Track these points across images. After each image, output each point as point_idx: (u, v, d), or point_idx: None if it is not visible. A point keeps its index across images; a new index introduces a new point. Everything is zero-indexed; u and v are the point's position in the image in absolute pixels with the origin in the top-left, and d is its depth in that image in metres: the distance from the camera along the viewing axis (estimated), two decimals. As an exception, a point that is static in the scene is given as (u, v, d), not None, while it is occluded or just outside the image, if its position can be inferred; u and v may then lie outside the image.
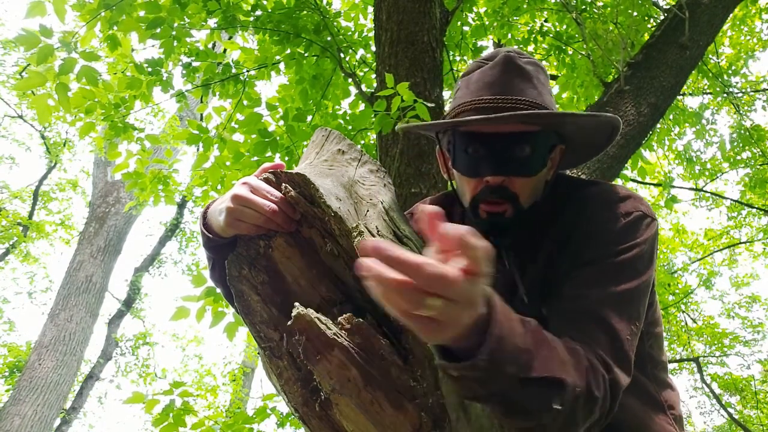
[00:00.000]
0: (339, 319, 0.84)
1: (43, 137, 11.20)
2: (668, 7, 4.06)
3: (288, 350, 0.93)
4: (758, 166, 6.35)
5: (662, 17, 3.88)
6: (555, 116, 1.00)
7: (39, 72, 2.81)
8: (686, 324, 9.33)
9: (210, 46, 4.41)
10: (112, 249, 9.05)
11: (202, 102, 4.06)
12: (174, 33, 3.35)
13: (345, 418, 0.86)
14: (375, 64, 3.23)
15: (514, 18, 4.78)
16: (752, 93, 6.60)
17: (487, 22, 4.75)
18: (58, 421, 8.79)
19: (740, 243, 9.34)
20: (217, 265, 1.03)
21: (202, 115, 6.21)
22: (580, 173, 2.97)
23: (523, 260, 1.07)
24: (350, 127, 3.11)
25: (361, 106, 3.78)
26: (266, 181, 0.97)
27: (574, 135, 1.08)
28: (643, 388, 1.07)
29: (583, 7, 4.34)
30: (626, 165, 3.82)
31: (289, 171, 0.96)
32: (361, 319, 0.84)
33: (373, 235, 0.91)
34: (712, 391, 9.16)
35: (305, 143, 3.19)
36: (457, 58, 4.73)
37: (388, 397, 0.85)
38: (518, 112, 0.96)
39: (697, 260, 9.78)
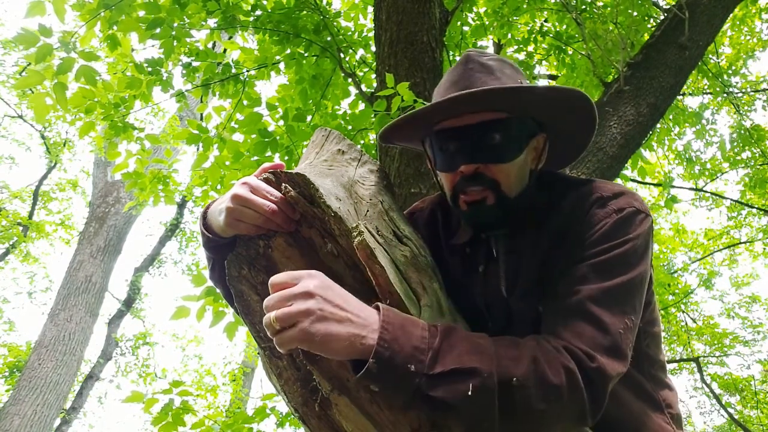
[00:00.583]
0: (339, 319, 0.84)
1: (43, 137, 11.20)
2: (668, 7, 4.05)
3: (288, 350, 0.93)
4: (758, 166, 6.34)
5: (662, 17, 3.87)
6: (503, 90, 0.99)
7: (38, 71, 2.81)
8: (686, 324, 9.33)
9: (210, 46, 4.41)
10: (112, 249, 9.05)
11: (202, 102, 4.06)
12: (174, 33, 3.35)
13: (344, 418, 0.86)
14: (375, 64, 3.23)
15: (514, 18, 4.77)
16: (752, 93, 6.60)
17: (487, 22, 4.75)
18: (58, 421, 8.79)
19: (740, 243, 9.33)
20: (216, 265, 1.03)
21: (201, 114, 6.21)
22: (580, 173, 2.97)
23: (519, 257, 1.07)
24: (350, 127, 3.11)
25: (361, 106, 3.78)
26: (266, 181, 0.97)
27: (553, 120, 1.08)
28: (640, 386, 1.07)
29: (583, 7, 4.34)
30: (626, 165, 3.81)
31: (289, 171, 0.96)
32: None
33: (373, 236, 0.91)
34: (712, 391, 9.16)
35: (305, 143, 3.19)
36: (457, 58, 4.73)
37: (386, 398, 0.85)
38: (465, 91, 0.97)
39: (697, 260, 9.78)
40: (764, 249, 9.33)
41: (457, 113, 1.02)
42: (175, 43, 3.42)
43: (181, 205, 11.04)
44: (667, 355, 9.39)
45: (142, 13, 3.24)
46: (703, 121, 6.11)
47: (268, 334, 0.78)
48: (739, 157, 6.49)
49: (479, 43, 4.77)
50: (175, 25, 3.33)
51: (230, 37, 4.75)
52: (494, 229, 1.09)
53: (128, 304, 10.85)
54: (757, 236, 8.89)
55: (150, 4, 3.15)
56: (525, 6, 4.64)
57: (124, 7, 3.14)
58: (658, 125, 5.05)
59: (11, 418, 7.20)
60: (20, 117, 10.85)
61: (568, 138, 1.14)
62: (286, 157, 3.17)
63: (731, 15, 4.97)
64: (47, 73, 2.85)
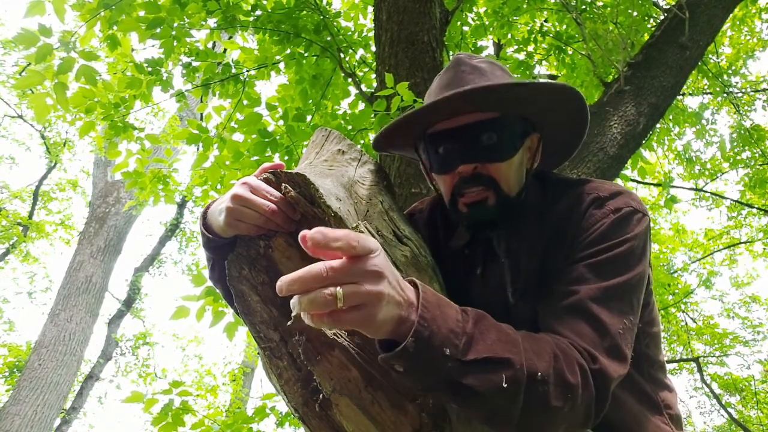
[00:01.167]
0: (339, 319, 0.84)
1: (43, 137, 11.19)
2: (668, 7, 4.05)
3: (288, 351, 0.93)
4: (758, 166, 6.34)
5: (662, 17, 3.87)
6: (495, 88, 0.99)
7: (38, 71, 2.81)
8: (686, 324, 9.33)
9: (210, 46, 4.41)
10: (112, 249, 9.05)
11: (202, 102, 4.06)
12: (174, 33, 3.35)
13: (345, 418, 0.86)
14: (375, 64, 3.23)
15: (514, 18, 4.77)
16: (752, 93, 6.60)
17: (487, 22, 4.75)
18: (58, 421, 8.79)
19: (740, 243, 9.33)
20: (216, 265, 1.03)
21: (201, 114, 6.21)
22: (580, 173, 2.97)
23: (517, 257, 1.07)
24: (350, 127, 3.11)
25: (361, 106, 3.78)
26: (266, 181, 0.97)
27: (544, 118, 1.09)
28: (639, 387, 1.07)
29: (583, 7, 4.34)
30: (626, 165, 3.81)
31: (289, 171, 0.96)
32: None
33: (373, 235, 0.91)
34: (712, 391, 9.15)
35: (305, 143, 3.19)
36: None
37: (388, 398, 0.85)
38: (461, 89, 0.97)
39: (697, 260, 9.78)
40: (764, 249, 9.33)
41: (450, 115, 1.03)
42: (175, 43, 3.42)
43: (181, 205, 11.04)
44: (667, 355, 9.40)
45: (142, 13, 3.24)
46: (703, 121, 6.11)
47: (314, 306, 0.64)
48: (739, 157, 6.49)
49: (479, 43, 4.77)
50: (175, 25, 3.33)
51: (230, 37, 4.75)
52: (494, 230, 1.09)
53: (128, 304, 10.85)
54: (757, 236, 8.89)
55: (150, 4, 3.15)
56: (525, 6, 4.63)
57: (124, 7, 3.13)
58: (658, 125, 5.05)
59: (11, 418, 7.19)
60: (20, 117, 10.85)
61: (561, 136, 1.15)
62: (286, 157, 3.17)
63: (731, 15, 4.97)
64: (47, 73, 2.85)
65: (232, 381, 12.60)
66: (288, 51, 3.70)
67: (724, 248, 9.59)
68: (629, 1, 4.01)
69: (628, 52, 3.66)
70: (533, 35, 4.97)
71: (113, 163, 9.04)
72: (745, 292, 11.07)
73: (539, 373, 0.79)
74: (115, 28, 3.21)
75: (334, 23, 3.90)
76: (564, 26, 4.79)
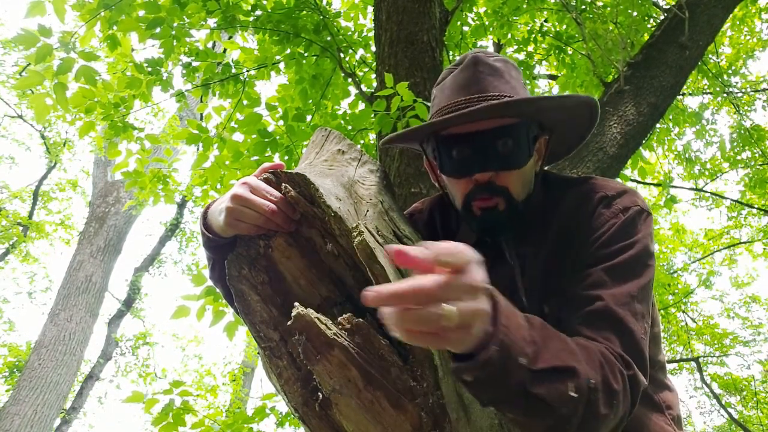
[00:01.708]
0: (339, 319, 0.84)
1: (43, 137, 11.20)
2: (668, 7, 4.05)
3: (288, 350, 0.93)
4: (758, 166, 6.34)
5: (662, 17, 3.87)
6: (530, 102, 0.99)
7: (37, 71, 2.81)
8: (686, 324, 9.33)
9: (210, 45, 4.41)
10: (112, 249, 9.05)
11: (202, 102, 4.06)
12: (174, 33, 3.35)
13: (345, 418, 0.86)
14: (375, 64, 3.23)
15: (514, 18, 4.78)
16: (752, 93, 6.60)
17: (486, 22, 4.75)
18: (58, 421, 8.79)
19: (740, 243, 9.33)
20: (216, 265, 1.03)
21: (201, 114, 6.21)
22: (580, 173, 2.97)
23: (523, 258, 1.07)
24: (350, 127, 3.11)
25: (361, 106, 3.78)
26: (266, 181, 0.97)
27: (555, 122, 1.09)
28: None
29: (583, 7, 4.34)
30: (626, 165, 3.81)
31: (289, 171, 0.96)
32: (361, 319, 0.84)
33: (373, 236, 0.91)
34: (712, 391, 9.16)
35: (305, 143, 3.19)
36: (457, 58, 4.73)
37: (388, 397, 0.85)
38: (492, 102, 0.97)
39: (697, 260, 9.78)
40: (764, 249, 9.33)
41: (473, 120, 1.01)
42: (175, 43, 3.42)
43: (181, 205, 11.04)
44: (667, 355, 9.39)
45: (142, 13, 3.24)
46: (703, 121, 6.11)
47: (422, 325, 0.59)
48: (739, 157, 6.49)
49: (479, 43, 4.78)
50: (175, 25, 3.33)
51: (230, 37, 4.75)
52: (503, 234, 1.08)
53: (128, 304, 10.85)
54: (757, 236, 8.89)
55: (150, 3, 3.15)
56: (525, 6, 4.64)
57: (124, 7, 3.13)
58: (658, 125, 5.05)
59: (11, 418, 7.20)
60: (20, 117, 10.85)
61: (565, 137, 1.14)
62: (286, 157, 3.17)
63: (731, 15, 4.97)
64: (47, 74, 2.85)
65: (232, 381, 12.60)
66: (288, 51, 3.70)
67: (724, 248, 9.59)
68: (629, 1, 4.01)
69: (628, 52, 3.66)
70: (533, 35, 4.97)
71: (113, 163, 9.04)
72: (745, 292, 11.08)
73: (592, 381, 0.77)
74: (115, 28, 3.21)
75: (334, 23, 3.90)
76: (564, 26, 4.79)
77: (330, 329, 0.82)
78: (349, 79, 3.75)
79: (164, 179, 3.98)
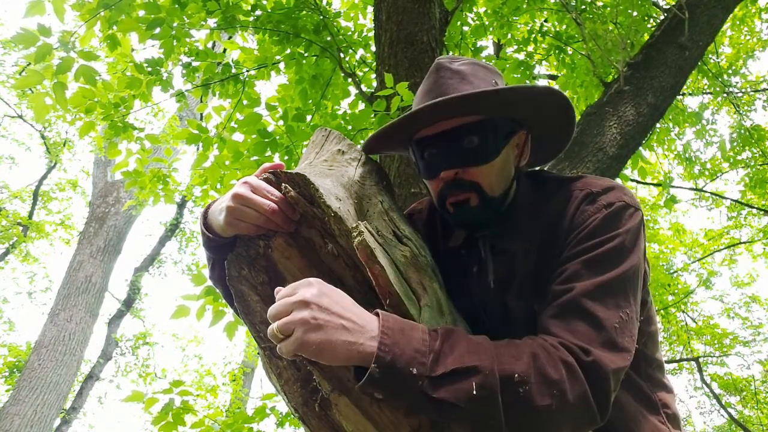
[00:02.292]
0: (338, 319, 0.84)
1: (43, 137, 11.20)
2: (668, 7, 4.05)
3: (287, 350, 0.93)
4: (758, 166, 6.34)
5: (662, 17, 3.87)
6: (464, 97, 0.99)
7: (37, 71, 2.81)
8: (686, 324, 9.32)
9: (210, 46, 4.40)
10: (112, 249, 9.05)
11: (201, 102, 4.06)
12: (174, 33, 3.35)
13: (344, 418, 0.86)
14: (375, 64, 3.23)
15: (514, 18, 4.77)
16: (752, 93, 6.60)
17: (486, 22, 4.74)
18: (58, 421, 8.79)
19: (740, 243, 9.33)
20: (216, 264, 1.03)
21: (201, 114, 6.21)
22: (579, 173, 2.97)
23: (511, 256, 1.07)
24: (350, 127, 3.11)
25: (361, 106, 3.77)
26: (266, 181, 0.97)
27: (528, 117, 1.09)
28: (636, 386, 1.07)
29: (583, 7, 4.34)
30: (626, 165, 3.81)
31: (289, 171, 0.96)
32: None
33: (373, 236, 0.91)
34: (712, 391, 9.16)
35: (305, 143, 3.19)
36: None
37: (387, 397, 0.85)
38: (436, 100, 0.99)
39: (697, 260, 9.78)
40: (764, 249, 9.33)
41: (430, 122, 1.04)
42: (175, 43, 3.42)
43: (181, 205, 11.04)
44: (667, 355, 9.40)
45: (141, 13, 3.24)
46: (703, 121, 6.11)
47: (274, 342, 0.80)
48: (739, 157, 6.49)
49: (479, 43, 4.77)
50: (175, 25, 3.33)
51: (230, 37, 4.74)
52: (483, 229, 1.10)
53: (128, 304, 10.85)
54: (757, 236, 8.88)
55: (150, 4, 3.15)
56: (525, 6, 4.63)
57: (123, 7, 3.13)
58: (658, 125, 5.05)
59: (11, 418, 7.19)
60: (20, 117, 10.85)
61: (551, 132, 1.14)
62: (286, 157, 3.17)
63: (731, 15, 4.98)
64: (47, 73, 2.85)
65: (232, 381, 12.59)
66: (288, 51, 3.70)
67: (724, 248, 9.59)
68: (629, 1, 4.01)
69: (628, 52, 3.66)
70: (533, 35, 4.97)
71: (113, 163, 9.04)
72: (745, 293, 11.07)
73: (516, 374, 0.80)
74: (114, 28, 3.21)
75: (334, 23, 3.90)
76: (564, 26, 4.78)
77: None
78: (349, 79, 3.75)
79: (164, 179, 3.98)
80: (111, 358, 10.82)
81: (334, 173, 1.04)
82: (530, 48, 5.02)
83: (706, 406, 12.47)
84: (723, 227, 9.28)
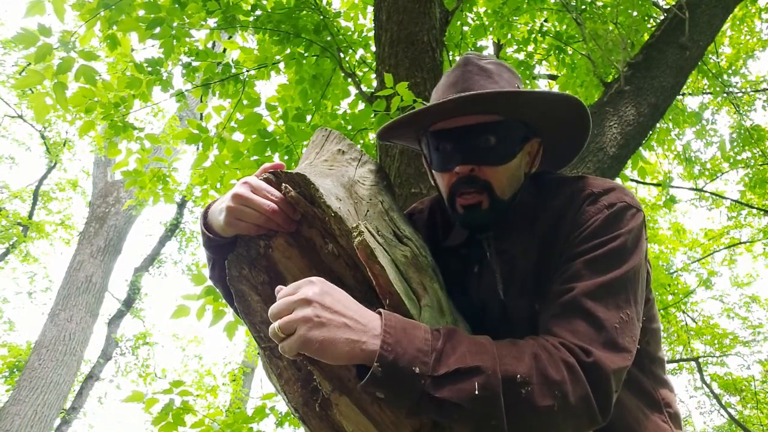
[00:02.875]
0: (339, 319, 0.84)
1: (43, 137, 11.19)
2: (668, 7, 4.05)
3: (288, 350, 0.93)
4: (758, 166, 6.34)
5: (662, 17, 3.87)
6: (496, 94, 1.00)
7: (37, 70, 2.81)
8: (686, 324, 9.32)
9: (210, 45, 4.40)
10: (112, 249, 9.05)
11: (201, 102, 4.06)
12: (174, 33, 3.35)
13: (345, 418, 0.86)
14: (375, 64, 3.23)
15: (514, 18, 4.77)
16: (752, 93, 6.60)
17: (487, 22, 4.74)
18: (58, 421, 8.79)
19: (740, 243, 9.32)
20: (217, 264, 1.03)
21: (201, 114, 6.20)
22: (579, 173, 2.97)
23: (512, 257, 1.07)
24: (350, 127, 3.11)
25: (361, 106, 3.77)
26: (266, 181, 0.97)
27: (544, 123, 1.09)
28: (639, 384, 1.07)
29: (583, 7, 4.33)
30: (626, 165, 3.81)
31: (289, 171, 0.96)
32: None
33: (373, 236, 0.91)
34: (712, 391, 9.16)
35: (305, 143, 3.18)
36: (457, 58, 4.72)
37: (388, 398, 0.85)
38: (459, 95, 0.99)
39: (697, 260, 9.78)
40: (764, 249, 9.33)
41: (452, 115, 1.04)
42: (175, 43, 3.41)
43: (181, 205, 11.04)
44: (667, 355, 9.39)
45: (141, 13, 3.24)
46: (703, 121, 6.11)
47: (276, 341, 0.80)
48: (739, 157, 6.49)
49: (479, 43, 4.77)
50: (175, 24, 3.33)
51: (230, 37, 4.74)
52: (487, 231, 1.10)
53: (128, 304, 10.85)
54: (757, 236, 8.88)
55: (150, 3, 3.15)
56: (525, 6, 4.63)
57: (123, 7, 3.13)
58: (658, 125, 5.05)
59: (11, 418, 7.19)
60: (20, 117, 10.85)
61: (563, 141, 1.15)
62: (286, 157, 3.17)
63: (731, 15, 4.97)
64: (47, 73, 2.85)
65: (232, 381, 12.59)
66: (288, 51, 3.70)
67: (724, 248, 9.59)
68: (629, 1, 4.01)
69: (628, 52, 3.66)
70: (533, 35, 4.97)
71: (113, 163, 9.04)
72: (745, 293, 11.07)
73: (518, 375, 0.80)
74: (114, 28, 3.21)
75: (334, 23, 3.90)
76: (564, 26, 4.78)
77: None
78: (349, 79, 3.74)
79: (164, 179, 3.98)
80: (111, 358, 10.82)
81: (334, 173, 1.04)
82: (530, 48, 5.02)
83: (706, 406, 12.47)
84: (723, 227, 9.28)
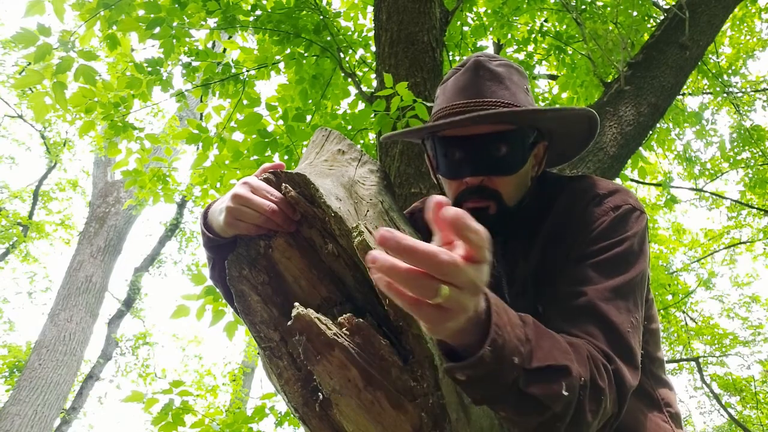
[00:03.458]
0: (339, 319, 0.84)
1: (43, 137, 11.20)
2: (668, 7, 4.05)
3: (288, 350, 0.93)
4: (758, 166, 6.34)
5: (662, 17, 3.87)
6: (522, 113, 1.00)
7: (37, 70, 2.81)
8: (686, 324, 9.33)
9: (210, 45, 4.40)
10: (112, 249, 9.05)
11: (201, 101, 4.06)
12: (174, 33, 3.35)
13: (345, 418, 0.86)
14: (375, 64, 3.23)
15: (514, 18, 4.78)
16: (752, 93, 6.60)
17: (487, 22, 4.75)
18: (58, 421, 8.79)
19: (740, 243, 9.33)
20: (217, 264, 1.03)
21: (201, 114, 6.21)
22: (579, 173, 2.97)
23: (514, 257, 1.07)
24: (350, 127, 3.11)
25: (361, 106, 3.78)
26: (266, 181, 0.97)
27: (554, 130, 1.09)
28: (639, 385, 1.07)
29: (583, 7, 4.34)
30: (626, 165, 3.81)
31: (289, 171, 0.96)
32: (361, 319, 0.84)
33: (373, 236, 0.91)
34: (712, 391, 9.16)
35: (305, 143, 3.18)
36: (457, 58, 4.73)
37: (388, 398, 0.85)
38: (486, 112, 0.97)
39: (697, 260, 9.78)
40: (764, 249, 9.33)
41: (466, 125, 1.02)
42: (174, 43, 3.41)
43: (181, 205, 11.04)
44: (667, 355, 9.39)
45: (141, 13, 3.24)
46: (703, 121, 6.11)
47: (409, 285, 0.58)
48: (739, 157, 6.49)
49: (479, 43, 4.77)
50: (175, 24, 3.33)
51: (230, 37, 4.74)
52: (493, 236, 1.09)
53: (128, 304, 10.85)
54: (757, 236, 8.88)
55: (150, 3, 3.15)
56: (525, 6, 4.64)
57: (123, 7, 3.13)
58: (658, 125, 5.05)
59: (11, 418, 7.19)
60: (20, 117, 10.85)
61: (567, 142, 1.15)
62: (286, 157, 3.17)
63: (731, 15, 4.97)
64: (46, 73, 2.85)
65: (232, 381, 12.59)
66: (288, 51, 3.70)
67: (724, 248, 9.59)
68: (629, 1, 4.01)
69: (628, 52, 3.66)
70: (533, 35, 4.97)
71: (113, 163, 9.05)
72: (745, 293, 11.08)
73: (582, 378, 0.77)
74: (114, 27, 3.21)
75: (334, 23, 3.90)
76: (564, 26, 4.79)
77: (330, 329, 0.82)
78: (349, 79, 3.74)
79: (164, 178, 3.98)
80: (111, 358, 10.82)
81: (334, 173, 1.04)
82: (530, 48, 5.02)
83: (706, 406, 12.48)
84: (723, 227, 9.29)
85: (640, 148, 4.24)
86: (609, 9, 4.33)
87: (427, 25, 3.01)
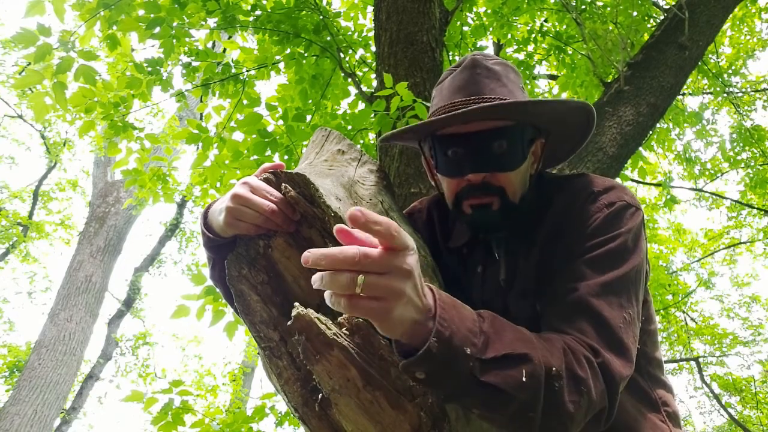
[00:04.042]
0: (339, 319, 0.84)
1: (43, 137, 11.20)
2: (668, 7, 4.06)
3: (288, 350, 0.93)
4: (758, 166, 6.35)
5: (662, 17, 3.87)
6: (521, 105, 1.01)
7: (37, 70, 2.81)
8: (686, 324, 9.32)
9: (210, 45, 4.40)
10: (112, 249, 9.05)
11: (201, 101, 4.06)
12: (174, 33, 3.35)
13: (344, 417, 0.86)
14: (375, 64, 3.23)
15: (514, 18, 4.78)
16: (752, 93, 6.60)
17: (486, 22, 4.75)
18: (58, 421, 8.79)
19: (740, 243, 9.33)
20: (216, 264, 1.03)
21: (201, 114, 6.21)
22: (578, 172, 2.97)
23: (516, 258, 1.07)
24: (350, 127, 3.11)
25: (361, 106, 3.78)
26: (266, 181, 0.97)
27: (551, 126, 1.09)
28: (636, 384, 1.08)
29: (583, 7, 4.34)
30: (626, 165, 3.81)
31: (289, 171, 0.96)
32: (360, 320, 0.84)
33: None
34: (712, 391, 9.15)
35: (305, 143, 3.19)
36: (457, 58, 4.73)
37: (387, 397, 0.85)
38: (482, 105, 0.98)
39: (697, 260, 9.78)
40: (764, 249, 9.33)
41: (466, 122, 1.02)
42: (174, 43, 3.41)
43: (181, 205, 11.04)
44: (667, 355, 9.39)
45: (141, 13, 3.24)
46: (703, 121, 6.11)
47: (334, 286, 0.65)
48: (739, 157, 6.49)
49: (479, 43, 4.78)
50: (175, 24, 3.33)
51: (230, 37, 4.74)
52: (494, 232, 1.09)
53: (128, 304, 10.85)
54: (757, 236, 8.88)
55: (150, 3, 3.15)
56: (525, 6, 4.64)
57: (123, 7, 3.13)
58: (658, 125, 5.05)
59: (11, 418, 7.20)
60: (20, 117, 10.85)
61: (563, 141, 1.15)
62: (286, 157, 3.17)
63: (731, 15, 4.97)
64: (46, 73, 2.85)
65: (232, 381, 12.59)
66: (288, 51, 3.70)
67: (724, 248, 9.59)
68: (629, 1, 4.01)
69: (628, 52, 3.66)
70: (533, 35, 4.97)
71: (113, 163, 9.05)
72: (745, 293, 11.08)
73: (554, 368, 0.78)
74: (114, 27, 3.21)
75: (334, 23, 3.90)
76: (564, 26, 4.79)
77: (330, 329, 0.82)
78: (349, 79, 3.74)
79: (164, 178, 3.98)
80: (111, 358, 10.82)
81: (334, 173, 1.04)
82: (530, 48, 5.02)
83: (706, 406, 12.47)
84: (723, 227, 9.29)
85: (640, 148, 4.24)
86: (609, 9, 4.33)
87: (426, 25, 3.01)
